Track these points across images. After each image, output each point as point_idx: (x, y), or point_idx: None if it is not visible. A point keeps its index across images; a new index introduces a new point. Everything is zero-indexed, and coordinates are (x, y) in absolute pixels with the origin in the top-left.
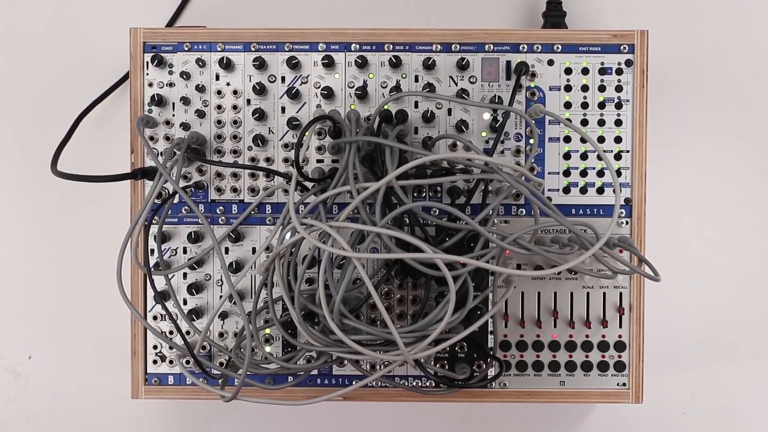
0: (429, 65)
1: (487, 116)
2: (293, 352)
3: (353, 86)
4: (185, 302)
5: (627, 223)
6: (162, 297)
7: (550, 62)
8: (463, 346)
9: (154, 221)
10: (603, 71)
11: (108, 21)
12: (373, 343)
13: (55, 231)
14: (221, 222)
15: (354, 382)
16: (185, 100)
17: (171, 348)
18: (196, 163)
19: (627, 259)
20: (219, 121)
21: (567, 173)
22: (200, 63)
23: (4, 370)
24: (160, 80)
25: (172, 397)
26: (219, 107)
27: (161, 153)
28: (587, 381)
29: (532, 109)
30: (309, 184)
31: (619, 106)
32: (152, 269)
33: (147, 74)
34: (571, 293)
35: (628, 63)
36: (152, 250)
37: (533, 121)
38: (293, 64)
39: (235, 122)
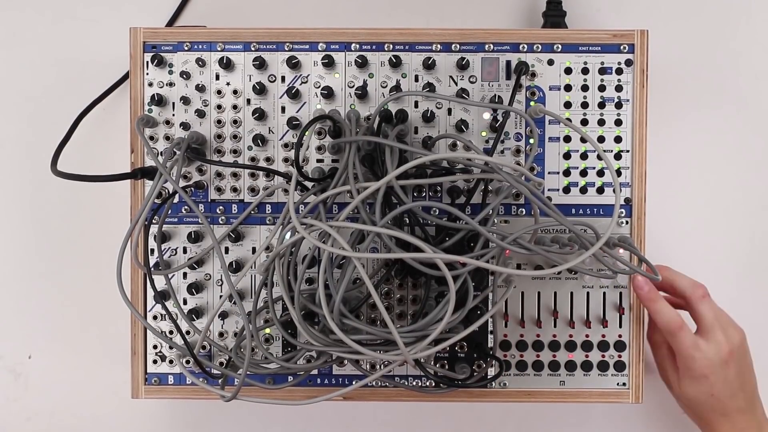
0: (429, 65)
1: (487, 116)
2: (293, 352)
3: (353, 86)
4: (185, 302)
5: (627, 223)
6: (162, 297)
7: (550, 62)
8: (463, 346)
9: (154, 221)
10: (603, 71)
11: (108, 21)
12: (373, 343)
13: (55, 231)
14: (221, 222)
15: (354, 382)
16: (185, 100)
17: (171, 348)
18: (196, 163)
19: (627, 259)
20: (219, 121)
21: (567, 173)
22: (200, 63)
23: (4, 370)
24: (160, 80)
25: (172, 396)
26: (219, 107)
27: (161, 153)
28: (587, 381)
29: (532, 108)
30: (309, 184)
31: (619, 105)
32: (152, 269)
33: (147, 74)
34: (571, 293)
35: (628, 63)
36: (152, 250)
37: (533, 121)
38: (293, 64)
39: (235, 122)
